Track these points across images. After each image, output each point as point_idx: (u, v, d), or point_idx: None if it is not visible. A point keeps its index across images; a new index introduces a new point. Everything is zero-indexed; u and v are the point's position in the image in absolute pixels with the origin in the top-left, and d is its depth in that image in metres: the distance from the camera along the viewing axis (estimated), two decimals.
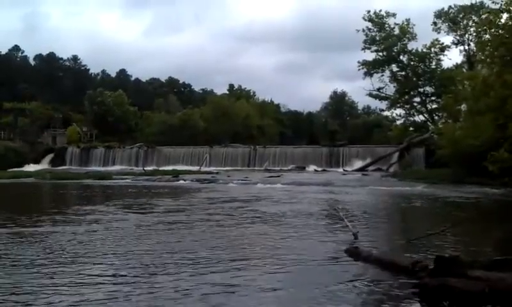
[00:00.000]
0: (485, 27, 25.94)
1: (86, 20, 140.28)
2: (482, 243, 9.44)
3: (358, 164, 43.44)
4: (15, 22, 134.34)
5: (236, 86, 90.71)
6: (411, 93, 52.63)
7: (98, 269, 6.83)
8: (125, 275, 6.48)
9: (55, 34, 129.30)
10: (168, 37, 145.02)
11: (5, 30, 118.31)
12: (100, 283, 6.05)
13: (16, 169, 43.79)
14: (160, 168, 43.63)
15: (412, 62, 51.57)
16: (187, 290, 5.76)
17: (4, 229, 10.31)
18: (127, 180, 31.12)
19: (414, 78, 51.65)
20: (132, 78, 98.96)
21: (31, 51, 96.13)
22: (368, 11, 51.35)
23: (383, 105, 57.07)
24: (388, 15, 51.17)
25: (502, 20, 24.27)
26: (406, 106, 53.32)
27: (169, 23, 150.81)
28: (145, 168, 42.68)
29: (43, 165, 51.17)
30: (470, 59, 45.98)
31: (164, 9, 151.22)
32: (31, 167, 46.32)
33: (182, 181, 29.68)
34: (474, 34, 44.40)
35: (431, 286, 5.29)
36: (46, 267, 6.95)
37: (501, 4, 24.16)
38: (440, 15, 49.79)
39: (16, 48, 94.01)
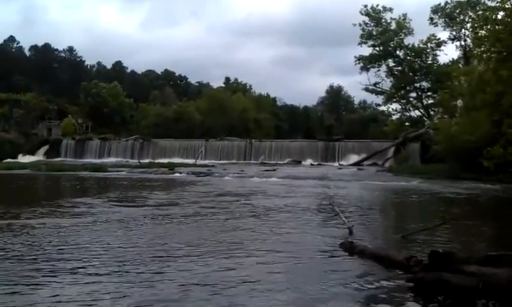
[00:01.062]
0: (481, 23, 25.97)
1: (83, 12, 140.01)
2: (477, 238, 9.47)
3: (354, 158, 43.52)
4: (13, 14, 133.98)
5: (232, 80, 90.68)
6: (407, 88, 52.73)
7: (86, 264, 6.70)
8: (114, 270, 6.39)
9: (53, 26, 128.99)
10: (165, 29, 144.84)
11: (3, 22, 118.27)
12: (88, 279, 5.96)
13: (11, 160, 43.67)
14: (156, 161, 43.55)
15: (408, 58, 51.64)
16: (178, 285, 5.74)
17: None
18: (123, 172, 31.05)
19: (410, 74, 51.73)
20: (128, 70, 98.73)
21: (28, 43, 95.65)
22: (365, 6, 51.41)
23: (379, 99, 57.35)
24: (385, 9, 51.24)
25: (499, 16, 24.30)
26: (402, 101, 53.44)
27: (166, 16, 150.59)
28: (141, 160, 42.62)
29: (38, 156, 51.01)
30: (466, 54, 45.98)
31: (161, 1, 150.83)
32: (25, 159, 46.19)
33: (177, 174, 29.63)
34: (470, 29, 44.56)
35: (426, 281, 5.31)
36: (28, 260, 6.85)
37: (497, 1, 24.19)
38: (436, 10, 49.78)
39: (11, 39, 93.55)
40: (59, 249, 7.59)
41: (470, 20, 45.24)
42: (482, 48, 26.59)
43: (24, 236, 8.62)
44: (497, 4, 24.23)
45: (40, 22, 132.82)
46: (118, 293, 5.39)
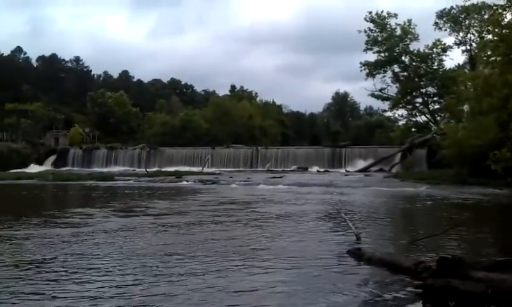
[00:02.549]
0: (488, 27, 25.93)
1: (91, 23, 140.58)
2: (485, 244, 9.43)
3: (361, 164, 43.37)
4: (21, 25, 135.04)
5: (238, 87, 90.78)
6: (413, 93, 52.54)
7: (85, 276, 6.64)
8: (113, 282, 6.31)
9: (61, 37, 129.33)
10: (172, 39, 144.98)
11: (12, 32, 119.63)
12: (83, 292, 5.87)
13: (18, 170, 43.82)
14: (163, 169, 43.61)
15: (414, 63, 51.50)
16: (184, 293, 5.72)
17: None
18: (130, 181, 31.12)
19: (416, 79, 51.59)
20: (134, 80, 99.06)
21: (36, 53, 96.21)
22: (370, 12, 51.40)
23: (385, 105, 57.04)
24: (390, 15, 51.14)
25: (506, 19, 24.27)
26: (408, 107, 53.25)
27: (172, 25, 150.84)
28: (148, 169, 42.70)
29: (46, 166, 51.13)
30: (472, 59, 45.87)
31: (168, 11, 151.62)
32: (33, 168, 46.33)
33: (184, 183, 29.68)
34: (476, 34, 44.54)
35: (435, 287, 5.29)
36: (20, 272, 6.78)
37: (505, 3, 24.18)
38: (441, 15, 49.72)
39: (18, 49, 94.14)
40: (53, 261, 7.50)
41: (475, 23, 45.34)
42: (488, 52, 26.56)
43: (19, 247, 8.58)
44: (506, 4, 24.17)
45: (48, 32, 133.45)
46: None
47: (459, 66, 49.33)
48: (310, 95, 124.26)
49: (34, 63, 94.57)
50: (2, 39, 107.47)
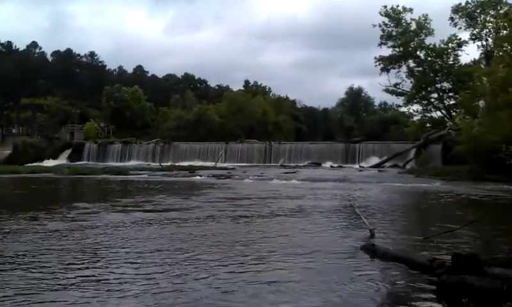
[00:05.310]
0: (504, 23, 25.67)
1: (110, 19, 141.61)
2: (500, 241, 9.36)
3: (375, 160, 43.21)
4: (41, 20, 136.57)
5: (252, 82, 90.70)
6: (428, 88, 52.09)
7: (93, 270, 6.68)
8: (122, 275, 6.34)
9: (79, 32, 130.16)
10: (188, 34, 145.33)
11: (30, 28, 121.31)
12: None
13: (34, 164, 44.30)
14: (177, 164, 43.78)
15: (429, 58, 51.03)
16: (195, 289, 5.74)
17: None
18: (144, 175, 31.31)
19: (431, 74, 51.11)
20: (149, 75, 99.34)
21: (52, 49, 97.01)
22: (385, 6, 51.05)
23: (400, 101, 56.75)
24: (405, 10, 50.78)
25: None
26: (423, 102, 52.83)
27: (189, 21, 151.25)
28: (162, 164, 42.93)
29: (61, 160, 51.56)
30: (487, 54, 45.37)
31: (185, 6, 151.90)
32: (49, 163, 46.81)
33: (198, 177, 29.77)
34: (492, 29, 44.02)
35: (449, 284, 5.28)
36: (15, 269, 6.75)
37: None
38: (457, 10, 49.21)
39: (33, 44, 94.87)
40: (54, 256, 7.47)
41: (491, 19, 44.81)
42: (504, 48, 26.30)
43: (17, 242, 8.58)
44: None
45: (68, 28, 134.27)
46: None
47: (474, 62, 48.82)
48: (326, 91, 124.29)
49: (50, 58, 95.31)
50: (20, 35, 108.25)
